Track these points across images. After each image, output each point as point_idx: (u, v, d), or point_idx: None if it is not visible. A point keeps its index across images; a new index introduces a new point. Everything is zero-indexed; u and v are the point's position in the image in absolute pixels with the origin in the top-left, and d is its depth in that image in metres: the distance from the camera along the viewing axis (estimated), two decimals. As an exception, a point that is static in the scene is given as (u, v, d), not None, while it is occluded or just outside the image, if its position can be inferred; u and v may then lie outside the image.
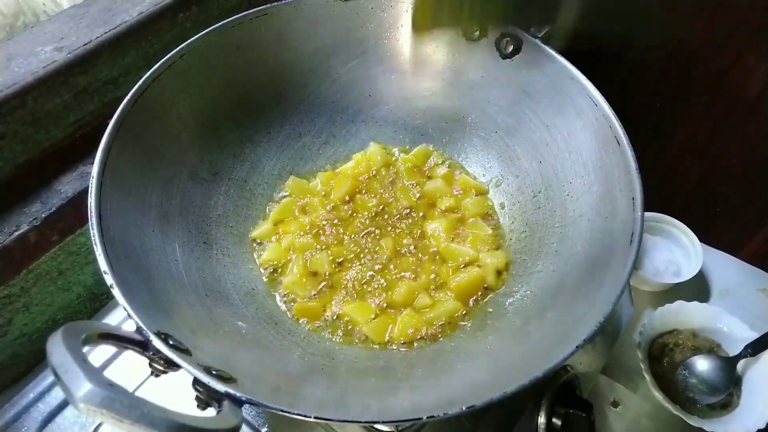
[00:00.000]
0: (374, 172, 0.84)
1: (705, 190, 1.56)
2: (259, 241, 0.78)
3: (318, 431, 0.70)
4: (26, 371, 0.80)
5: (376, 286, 0.74)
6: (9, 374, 0.79)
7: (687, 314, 0.83)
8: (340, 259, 0.76)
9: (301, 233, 0.77)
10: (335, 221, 0.79)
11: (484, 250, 0.76)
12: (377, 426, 0.67)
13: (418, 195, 0.82)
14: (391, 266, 0.75)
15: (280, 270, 0.75)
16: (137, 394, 0.46)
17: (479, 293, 0.73)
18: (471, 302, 0.72)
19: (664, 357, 0.81)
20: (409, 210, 0.81)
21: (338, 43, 0.81)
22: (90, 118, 0.78)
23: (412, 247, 0.77)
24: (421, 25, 0.75)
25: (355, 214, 0.80)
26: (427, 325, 0.70)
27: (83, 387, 0.34)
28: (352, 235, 0.78)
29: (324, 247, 0.77)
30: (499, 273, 0.74)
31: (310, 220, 0.79)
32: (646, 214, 0.58)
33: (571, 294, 0.62)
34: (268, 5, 0.76)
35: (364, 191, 0.82)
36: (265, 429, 0.71)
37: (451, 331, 0.70)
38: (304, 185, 0.83)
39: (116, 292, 0.49)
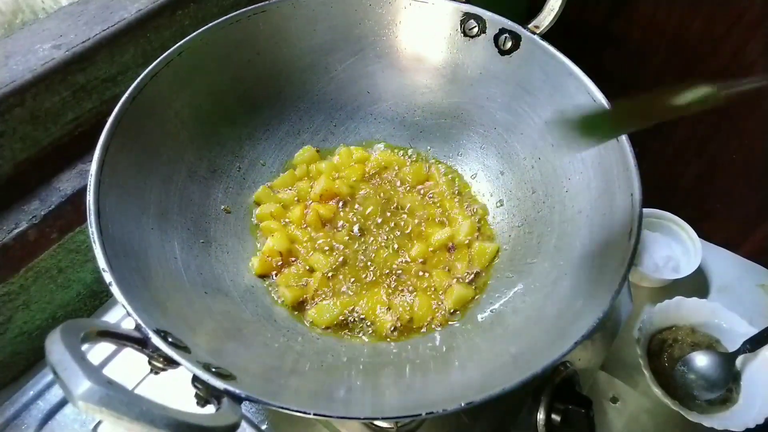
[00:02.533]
0: (372, 173, 0.85)
1: (704, 186, 1.56)
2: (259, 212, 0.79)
3: (318, 428, 0.70)
4: (26, 369, 0.80)
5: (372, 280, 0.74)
6: (9, 372, 0.79)
7: (686, 310, 0.83)
8: (337, 258, 0.76)
9: (297, 226, 0.79)
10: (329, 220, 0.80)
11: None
12: (377, 422, 0.67)
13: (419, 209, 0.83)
14: (389, 268, 0.76)
15: (278, 267, 0.75)
16: (136, 391, 0.46)
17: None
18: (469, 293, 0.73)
19: (664, 353, 0.82)
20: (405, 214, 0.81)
21: (336, 40, 0.81)
22: (89, 115, 0.78)
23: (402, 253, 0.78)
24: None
25: (352, 215, 0.80)
26: (434, 313, 0.72)
27: (82, 385, 0.34)
28: (351, 229, 0.79)
29: (320, 244, 0.77)
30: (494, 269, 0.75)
31: (311, 217, 0.79)
32: (645, 210, 0.58)
33: (569, 290, 0.62)
34: (266, 2, 0.76)
35: (363, 191, 0.83)
36: (265, 426, 0.71)
37: (454, 322, 0.71)
38: (315, 158, 0.84)
39: (115, 289, 0.49)
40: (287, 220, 0.79)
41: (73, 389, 0.34)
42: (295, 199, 0.81)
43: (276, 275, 0.74)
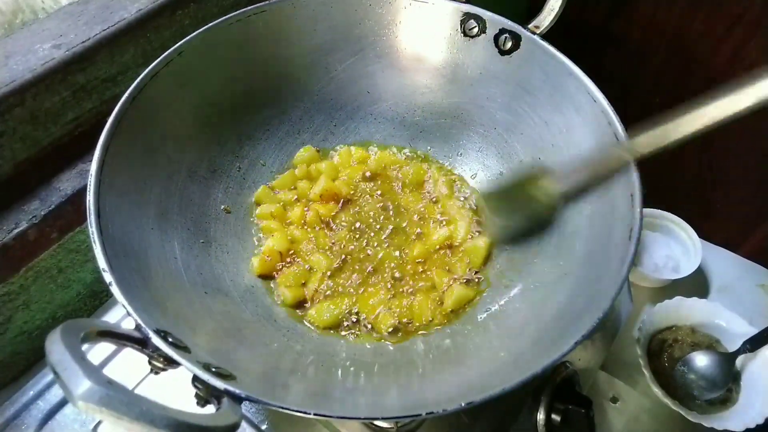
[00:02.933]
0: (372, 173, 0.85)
1: (704, 186, 1.56)
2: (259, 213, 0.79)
3: (318, 428, 0.70)
4: (26, 369, 0.80)
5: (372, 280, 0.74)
6: (9, 372, 0.79)
7: (686, 310, 0.83)
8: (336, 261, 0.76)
9: (297, 226, 0.78)
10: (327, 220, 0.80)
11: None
12: (377, 422, 0.67)
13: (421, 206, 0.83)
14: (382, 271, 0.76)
15: (278, 267, 0.75)
16: (137, 391, 0.46)
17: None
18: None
19: (664, 353, 0.82)
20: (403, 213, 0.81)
21: (336, 40, 0.81)
22: (89, 115, 0.78)
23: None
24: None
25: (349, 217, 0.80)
26: (433, 314, 0.71)
27: (82, 385, 0.34)
28: (351, 229, 0.78)
29: (320, 244, 0.77)
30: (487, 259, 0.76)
31: (312, 216, 0.79)
32: (646, 210, 0.58)
33: (569, 290, 0.62)
34: (266, 2, 0.76)
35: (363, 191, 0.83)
36: (265, 426, 0.71)
37: (454, 322, 0.71)
38: (315, 158, 0.84)
39: (115, 289, 0.49)
40: (288, 220, 0.79)
41: (73, 389, 0.34)
42: (295, 199, 0.81)
43: (276, 275, 0.74)
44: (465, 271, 0.75)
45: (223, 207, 0.76)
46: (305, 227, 0.78)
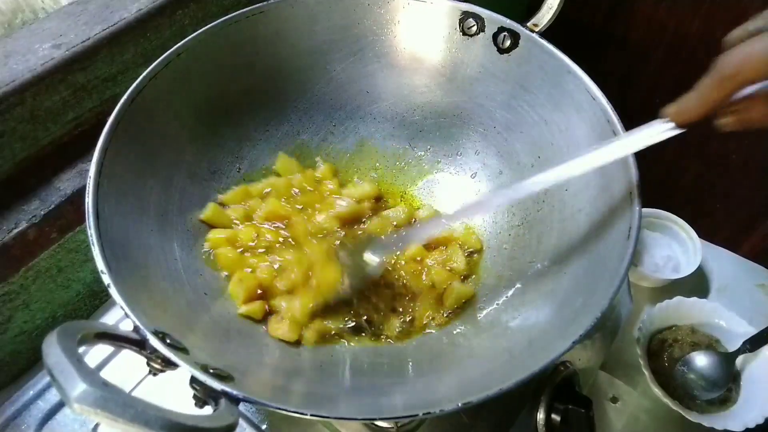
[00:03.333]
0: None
1: (704, 186, 1.56)
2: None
3: (318, 428, 0.71)
4: (26, 368, 0.80)
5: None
6: (9, 371, 0.79)
7: (686, 310, 0.83)
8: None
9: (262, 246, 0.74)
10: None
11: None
12: (377, 422, 0.67)
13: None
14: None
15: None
16: (136, 392, 0.46)
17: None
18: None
19: (663, 353, 0.82)
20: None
21: (335, 40, 0.81)
22: (89, 115, 0.78)
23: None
24: None
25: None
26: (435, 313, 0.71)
27: (77, 387, 0.34)
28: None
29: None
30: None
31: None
32: (645, 210, 0.58)
33: (568, 289, 0.62)
34: (265, 3, 0.76)
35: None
36: (265, 426, 0.71)
37: (454, 322, 0.71)
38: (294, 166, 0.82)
39: (113, 291, 0.49)
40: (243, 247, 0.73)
41: (68, 391, 0.34)
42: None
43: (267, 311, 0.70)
44: (465, 261, 0.75)
45: None
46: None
